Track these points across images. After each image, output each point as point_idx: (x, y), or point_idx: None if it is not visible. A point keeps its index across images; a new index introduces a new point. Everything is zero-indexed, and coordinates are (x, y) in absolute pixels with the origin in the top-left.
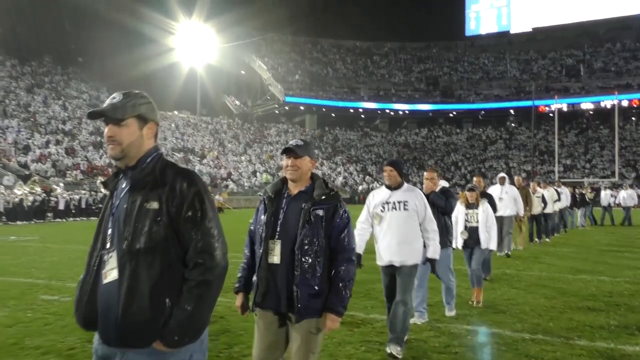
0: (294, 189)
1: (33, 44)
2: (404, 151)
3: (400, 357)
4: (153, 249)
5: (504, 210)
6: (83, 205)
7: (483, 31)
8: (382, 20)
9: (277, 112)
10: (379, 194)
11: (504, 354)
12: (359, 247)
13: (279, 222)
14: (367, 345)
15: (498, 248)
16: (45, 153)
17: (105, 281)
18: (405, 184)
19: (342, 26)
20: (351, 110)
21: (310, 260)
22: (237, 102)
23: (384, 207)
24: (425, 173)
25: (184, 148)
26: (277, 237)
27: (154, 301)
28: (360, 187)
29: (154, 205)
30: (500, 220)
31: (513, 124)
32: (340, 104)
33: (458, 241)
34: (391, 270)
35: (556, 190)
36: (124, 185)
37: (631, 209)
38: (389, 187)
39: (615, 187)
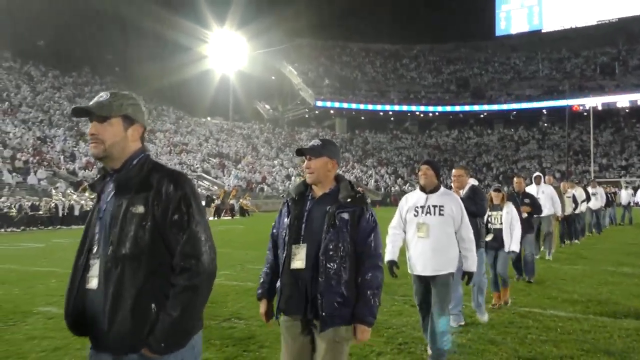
0: (318, 191)
1: (72, 56)
2: (435, 153)
3: None
4: (139, 254)
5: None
6: None
7: (514, 31)
8: (411, 23)
9: (307, 116)
10: (412, 197)
11: (562, 329)
12: (392, 253)
13: (303, 225)
14: (398, 349)
15: (545, 247)
16: (91, 160)
17: (87, 287)
18: (442, 188)
19: (371, 30)
20: (380, 113)
21: (335, 266)
22: (268, 107)
23: (417, 212)
24: (453, 171)
25: (220, 153)
26: (301, 241)
27: (140, 307)
28: (393, 190)
29: (140, 209)
30: (538, 220)
31: (546, 124)
32: (370, 107)
33: (513, 244)
34: (425, 280)
35: (585, 190)
36: (110, 189)
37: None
38: (423, 190)
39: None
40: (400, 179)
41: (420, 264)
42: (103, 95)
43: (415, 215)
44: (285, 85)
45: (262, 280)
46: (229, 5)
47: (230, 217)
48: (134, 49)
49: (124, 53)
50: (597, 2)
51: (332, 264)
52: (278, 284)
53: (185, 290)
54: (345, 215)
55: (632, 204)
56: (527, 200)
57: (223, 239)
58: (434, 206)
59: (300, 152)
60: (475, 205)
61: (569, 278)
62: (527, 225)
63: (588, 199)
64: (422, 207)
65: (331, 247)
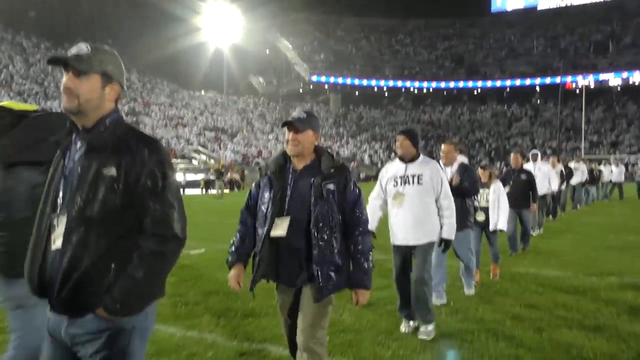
0: (298, 163)
1: (64, 27)
2: (428, 128)
3: (431, 337)
4: (106, 217)
5: (538, 187)
6: None
7: (510, 7)
8: None
9: (301, 91)
10: (392, 167)
11: (555, 285)
12: (371, 224)
13: (287, 199)
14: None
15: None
16: None
17: (53, 247)
18: (422, 156)
19: (366, 4)
20: (375, 89)
21: (326, 236)
22: (263, 82)
23: (396, 182)
24: (442, 146)
25: (215, 127)
26: (285, 213)
27: (99, 267)
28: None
29: (112, 171)
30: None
31: (538, 101)
32: (365, 82)
33: (500, 222)
34: (405, 250)
35: (567, 167)
36: (78, 146)
37: (623, 185)
38: (402, 160)
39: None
40: (393, 154)
41: (401, 234)
42: (83, 48)
43: (394, 186)
44: (280, 60)
45: (234, 248)
46: None
47: (229, 190)
48: (127, 20)
49: (117, 24)
50: None
51: (323, 235)
52: (257, 258)
53: (152, 254)
54: (331, 186)
55: (611, 180)
56: (523, 177)
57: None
58: (412, 175)
59: (287, 123)
60: (466, 183)
61: (560, 247)
62: (524, 200)
63: (570, 175)
64: (402, 177)
65: (321, 218)
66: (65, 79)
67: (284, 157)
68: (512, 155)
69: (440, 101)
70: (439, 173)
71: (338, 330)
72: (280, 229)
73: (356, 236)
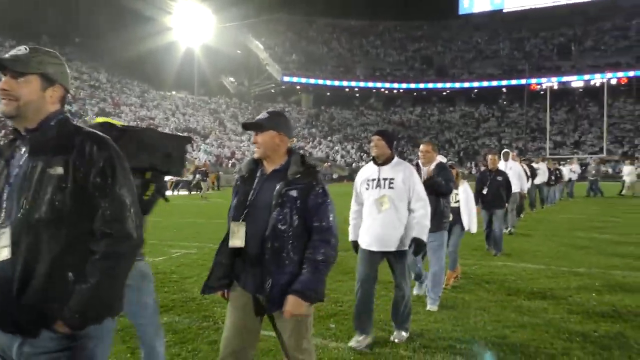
0: (268, 167)
1: (29, 24)
2: (399, 129)
3: (402, 342)
4: (56, 219)
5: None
6: None
7: (476, 9)
8: None
9: (273, 91)
10: (366, 170)
11: (531, 276)
12: (353, 234)
13: (248, 203)
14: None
15: (504, 225)
16: None
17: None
18: (396, 158)
19: (337, 5)
20: (346, 89)
21: (281, 245)
22: (234, 82)
23: (368, 185)
24: (421, 146)
25: (187, 128)
26: (241, 219)
27: (55, 277)
28: (359, 165)
29: (58, 170)
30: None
31: (505, 102)
32: (336, 83)
33: (472, 225)
34: (375, 256)
35: (530, 166)
36: (22, 151)
37: (574, 183)
38: (376, 162)
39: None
40: (365, 154)
41: (368, 239)
42: (22, 49)
43: (367, 189)
44: (252, 60)
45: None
46: None
47: (210, 191)
48: (95, 18)
49: (85, 22)
50: None
51: (279, 244)
52: (215, 259)
53: (105, 256)
54: (294, 193)
55: (572, 179)
56: (499, 178)
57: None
58: (384, 179)
59: (245, 126)
60: (444, 185)
61: (532, 242)
62: (499, 201)
63: (534, 174)
64: (374, 179)
65: (279, 226)
66: (2, 82)
67: (256, 161)
68: (489, 156)
69: (410, 102)
70: (413, 176)
71: None
72: (237, 237)
73: (313, 243)
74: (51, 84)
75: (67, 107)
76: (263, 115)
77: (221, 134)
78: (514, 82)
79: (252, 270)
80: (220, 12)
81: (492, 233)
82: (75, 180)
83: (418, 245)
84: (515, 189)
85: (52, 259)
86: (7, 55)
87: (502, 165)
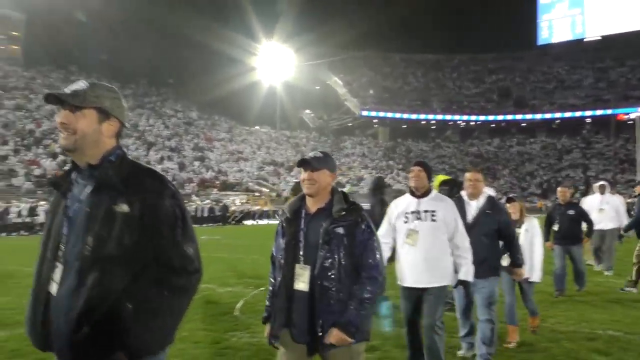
0: (312, 206)
1: (131, 69)
2: (477, 161)
3: None
4: (121, 255)
5: (606, 223)
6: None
7: (556, 39)
8: (451, 33)
9: (350, 124)
10: (402, 202)
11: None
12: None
13: (301, 244)
14: None
15: (603, 265)
16: (164, 168)
17: (56, 292)
18: (434, 192)
19: (412, 40)
20: (422, 122)
21: (332, 285)
22: (314, 116)
23: (407, 218)
24: (467, 174)
25: (273, 161)
26: (302, 261)
27: (116, 309)
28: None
29: (124, 208)
30: (601, 234)
31: (589, 133)
32: (413, 116)
33: (534, 271)
34: (415, 293)
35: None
36: (81, 186)
37: None
38: (413, 194)
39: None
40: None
41: (413, 275)
42: (81, 84)
43: (405, 222)
44: (330, 95)
45: (268, 303)
46: (277, 20)
47: None
48: (188, 61)
49: (179, 66)
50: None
51: (328, 283)
52: (273, 308)
53: (178, 289)
54: (340, 230)
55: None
56: (571, 212)
57: None
58: (426, 211)
59: (304, 162)
60: (499, 222)
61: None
62: (574, 237)
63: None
64: (413, 212)
65: (327, 265)
66: (60, 116)
67: (300, 201)
68: (559, 189)
69: (487, 134)
70: (453, 210)
71: None
72: (302, 281)
73: (359, 280)
74: (107, 117)
75: (167, 142)
76: (317, 154)
77: None
78: (599, 112)
79: (303, 313)
80: (301, 51)
81: (575, 269)
82: (141, 218)
83: (466, 287)
84: (612, 225)
85: (115, 292)
86: (66, 90)
87: (596, 198)
